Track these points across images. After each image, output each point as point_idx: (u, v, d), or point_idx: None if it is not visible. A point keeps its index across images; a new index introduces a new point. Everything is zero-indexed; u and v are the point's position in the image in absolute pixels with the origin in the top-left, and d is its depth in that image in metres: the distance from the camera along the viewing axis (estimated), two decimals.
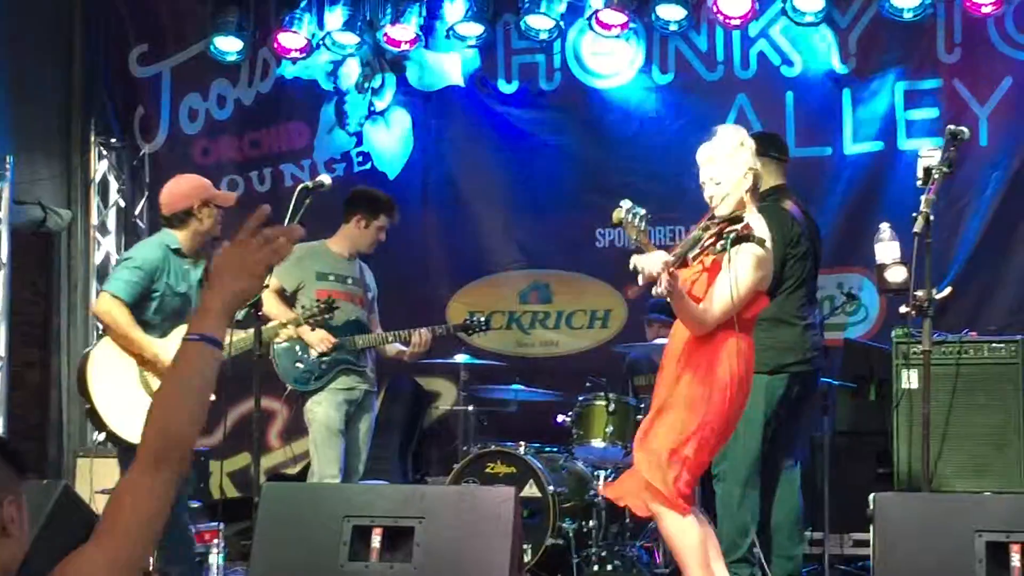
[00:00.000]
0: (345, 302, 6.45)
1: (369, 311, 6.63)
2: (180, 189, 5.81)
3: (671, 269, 4.25)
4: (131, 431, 5.52)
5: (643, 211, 5.06)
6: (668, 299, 4.35)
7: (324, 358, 6.34)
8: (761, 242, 4.42)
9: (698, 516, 4.58)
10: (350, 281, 6.55)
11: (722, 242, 4.36)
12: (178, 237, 5.67)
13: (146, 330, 5.57)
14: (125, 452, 5.68)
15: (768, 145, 5.96)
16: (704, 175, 4.67)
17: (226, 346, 2.40)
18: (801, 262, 5.48)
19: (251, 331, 5.63)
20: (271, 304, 6.30)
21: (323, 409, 6.35)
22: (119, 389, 5.56)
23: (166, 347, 5.52)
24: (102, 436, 5.66)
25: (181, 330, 5.59)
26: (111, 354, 5.58)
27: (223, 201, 5.78)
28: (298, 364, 6.40)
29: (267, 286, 5.24)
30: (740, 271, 4.42)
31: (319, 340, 6.31)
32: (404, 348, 6.56)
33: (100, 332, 5.77)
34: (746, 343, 4.55)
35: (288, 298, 6.49)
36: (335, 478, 6.26)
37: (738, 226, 4.35)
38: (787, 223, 5.40)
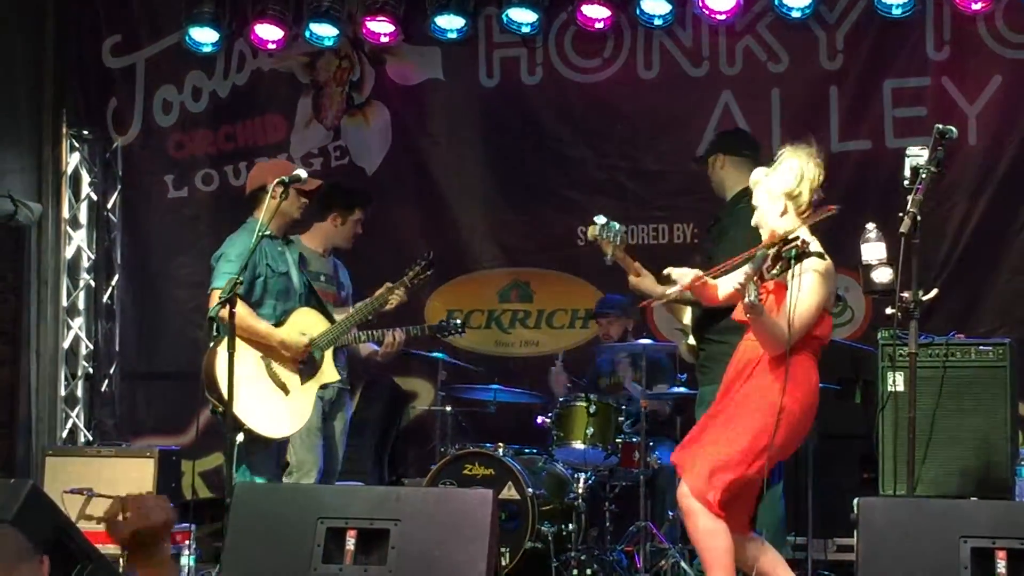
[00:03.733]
0: None
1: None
2: (260, 168, 5.90)
3: (755, 278, 4.29)
4: (266, 425, 5.54)
5: (619, 226, 5.01)
6: (749, 312, 4.38)
7: None
8: (821, 255, 4.43)
9: (746, 542, 4.65)
10: (323, 279, 6.48)
11: (781, 263, 4.34)
12: (262, 218, 5.57)
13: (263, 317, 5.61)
14: (254, 444, 5.55)
15: (739, 144, 5.90)
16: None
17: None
18: None
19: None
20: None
21: None
22: (249, 384, 5.45)
23: (288, 334, 5.59)
24: (241, 437, 5.41)
25: (297, 316, 5.67)
26: (238, 349, 5.34)
27: (302, 184, 5.66)
28: None
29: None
30: (806, 288, 4.46)
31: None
32: (376, 348, 6.47)
33: (219, 330, 5.50)
34: (814, 365, 4.63)
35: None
36: (309, 479, 6.15)
37: (796, 242, 4.34)
38: None
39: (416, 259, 6.13)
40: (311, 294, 5.89)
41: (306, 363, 5.78)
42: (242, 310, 5.38)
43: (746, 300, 4.31)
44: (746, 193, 5.21)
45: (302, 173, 5.52)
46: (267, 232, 5.63)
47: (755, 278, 4.30)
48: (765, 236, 4.66)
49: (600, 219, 5.06)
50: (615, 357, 7.46)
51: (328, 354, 5.82)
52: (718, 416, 4.66)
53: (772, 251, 4.39)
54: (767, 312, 4.46)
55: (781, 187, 4.66)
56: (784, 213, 4.64)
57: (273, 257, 5.69)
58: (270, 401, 5.57)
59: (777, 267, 4.35)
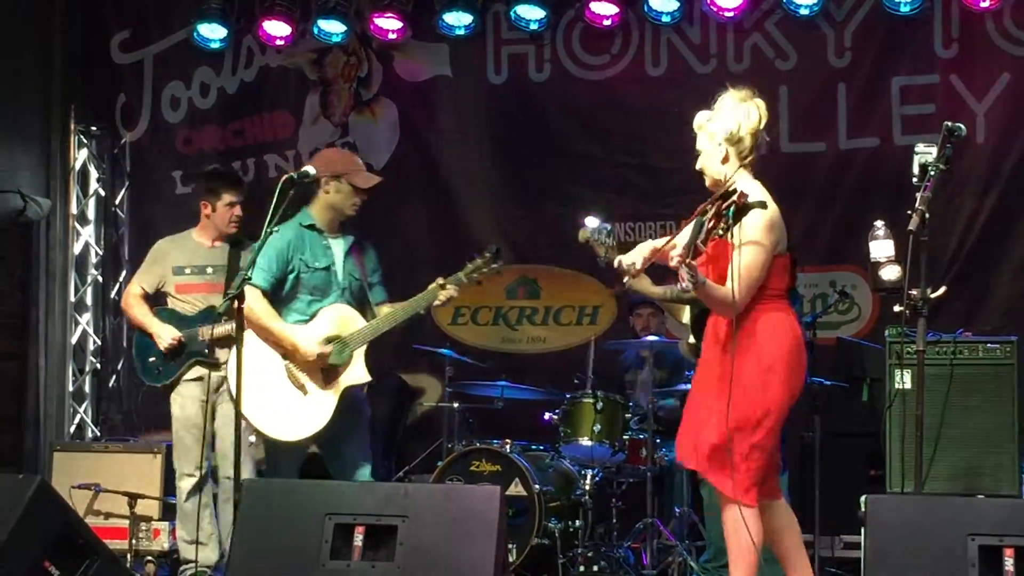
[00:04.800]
0: (204, 294, 6.24)
1: None
2: (317, 160, 5.65)
3: (687, 260, 4.16)
4: (277, 428, 5.41)
5: (609, 227, 4.96)
6: (692, 290, 4.26)
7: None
8: (762, 204, 4.34)
9: (776, 509, 4.59)
10: (210, 271, 6.31)
11: (723, 222, 4.24)
12: (311, 212, 5.50)
13: (289, 313, 5.46)
14: (275, 449, 5.50)
15: None
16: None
17: None
18: None
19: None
20: (136, 308, 6.25)
21: (178, 404, 6.19)
22: (265, 385, 5.32)
23: (306, 336, 5.42)
24: (253, 438, 5.42)
25: (326, 312, 5.50)
26: (256, 348, 5.31)
27: (360, 182, 5.55)
28: (151, 358, 6.25)
29: None
30: (746, 247, 4.37)
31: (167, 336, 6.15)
32: None
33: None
34: (785, 313, 4.54)
35: (152, 298, 6.36)
36: (192, 477, 6.13)
37: (733, 197, 4.25)
38: None
39: (472, 252, 5.87)
40: (360, 289, 5.66)
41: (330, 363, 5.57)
42: (259, 308, 5.29)
43: (680, 287, 4.22)
44: None
45: (311, 170, 5.22)
46: (311, 223, 5.49)
47: (688, 260, 4.15)
48: (708, 183, 4.59)
49: (591, 221, 5.03)
50: (642, 353, 7.48)
51: (359, 353, 5.58)
52: (712, 405, 4.59)
53: (711, 211, 4.29)
54: (707, 280, 4.35)
55: (722, 132, 4.55)
56: (726, 160, 4.55)
57: (313, 251, 5.50)
58: (285, 403, 5.42)
59: (719, 227, 4.26)
